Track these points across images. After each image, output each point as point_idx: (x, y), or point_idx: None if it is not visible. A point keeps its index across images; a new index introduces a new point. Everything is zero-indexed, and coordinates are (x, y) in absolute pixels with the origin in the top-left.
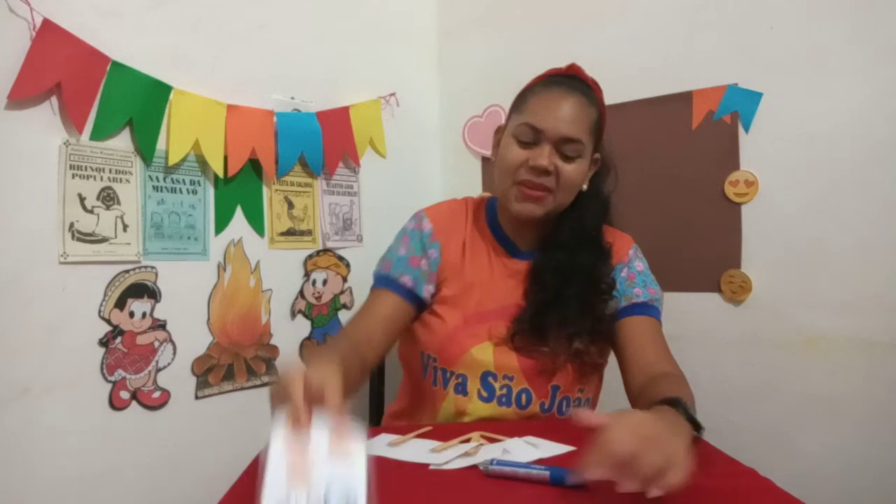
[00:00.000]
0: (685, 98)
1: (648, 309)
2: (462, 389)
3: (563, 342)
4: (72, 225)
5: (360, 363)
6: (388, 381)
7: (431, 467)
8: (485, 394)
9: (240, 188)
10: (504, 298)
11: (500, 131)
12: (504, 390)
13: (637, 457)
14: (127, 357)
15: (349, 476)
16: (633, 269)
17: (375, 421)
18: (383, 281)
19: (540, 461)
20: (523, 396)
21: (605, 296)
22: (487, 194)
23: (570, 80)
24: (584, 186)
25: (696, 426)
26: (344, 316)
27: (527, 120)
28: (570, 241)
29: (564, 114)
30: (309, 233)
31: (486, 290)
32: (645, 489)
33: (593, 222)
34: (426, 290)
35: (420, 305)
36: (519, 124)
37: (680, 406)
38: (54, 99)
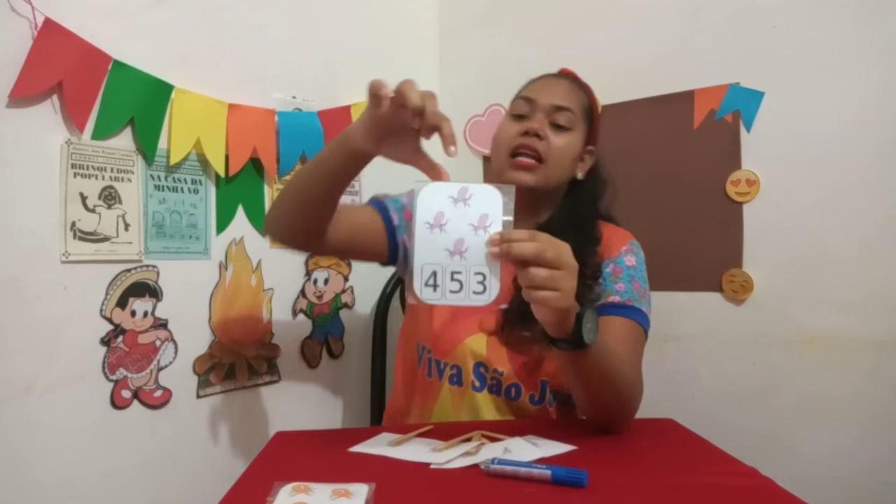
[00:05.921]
0: (687, 97)
1: (626, 310)
2: (457, 380)
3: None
4: (73, 224)
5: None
6: (389, 381)
7: (432, 467)
8: (477, 383)
9: (241, 187)
10: None
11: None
12: (494, 381)
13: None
14: (128, 356)
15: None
16: (620, 264)
17: (377, 420)
18: (375, 202)
19: (541, 460)
20: (513, 390)
21: (588, 281)
22: None
23: (562, 75)
24: (580, 175)
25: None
26: (345, 315)
27: (521, 95)
28: (559, 227)
29: (557, 89)
30: None
31: None
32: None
33: (585, 212)
34: (402, 241)
35: (393, 250)
36: (514, 101)
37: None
38: (56, 98)
